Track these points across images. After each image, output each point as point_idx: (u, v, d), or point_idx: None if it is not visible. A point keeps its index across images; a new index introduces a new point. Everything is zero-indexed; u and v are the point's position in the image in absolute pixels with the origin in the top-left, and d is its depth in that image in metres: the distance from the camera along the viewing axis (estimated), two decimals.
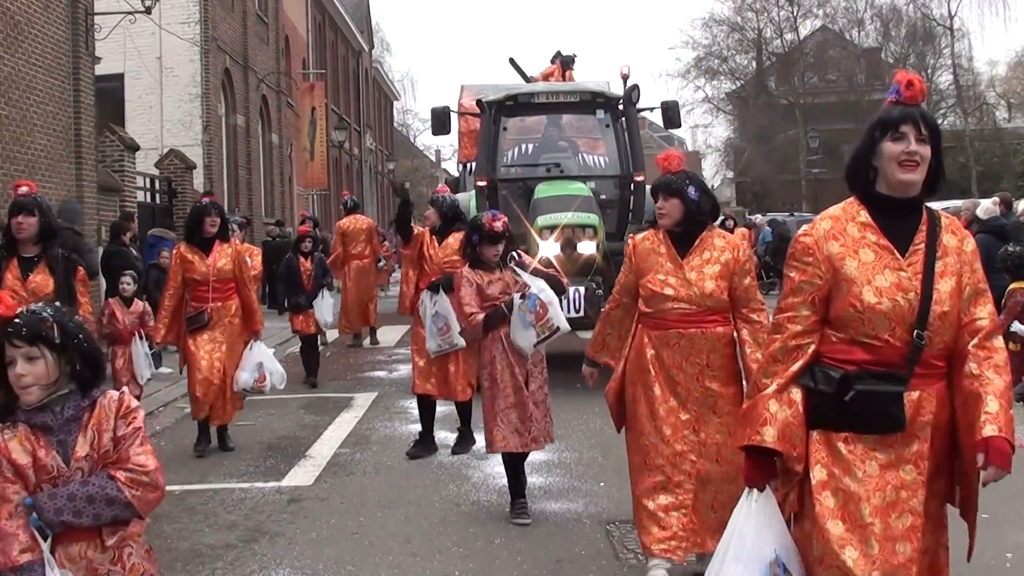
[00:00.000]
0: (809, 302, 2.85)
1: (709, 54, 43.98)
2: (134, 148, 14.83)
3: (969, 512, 2.90)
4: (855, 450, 2.79)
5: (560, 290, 5.68)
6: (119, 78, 18.69)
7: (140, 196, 15.74)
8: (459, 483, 6.46)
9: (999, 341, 2.86)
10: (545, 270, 5.87)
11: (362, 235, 13.46)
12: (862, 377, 2.77)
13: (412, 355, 7.45)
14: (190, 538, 5.44)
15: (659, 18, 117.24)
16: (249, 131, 22.54)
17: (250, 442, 7.82)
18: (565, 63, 13.52)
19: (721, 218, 18.39)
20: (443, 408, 7.77)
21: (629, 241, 4.59)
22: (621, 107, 10.59)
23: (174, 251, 7.65)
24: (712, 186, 47.82)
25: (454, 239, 7.11)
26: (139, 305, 8.59)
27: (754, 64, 44.63)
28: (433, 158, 59.69)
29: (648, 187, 8.96)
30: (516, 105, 10.63)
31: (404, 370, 10.81)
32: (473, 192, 10.42)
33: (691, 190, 4.32)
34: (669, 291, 4.30)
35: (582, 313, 9.06)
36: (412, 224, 7.52)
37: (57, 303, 2.84)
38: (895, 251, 2.81)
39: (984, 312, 2.84)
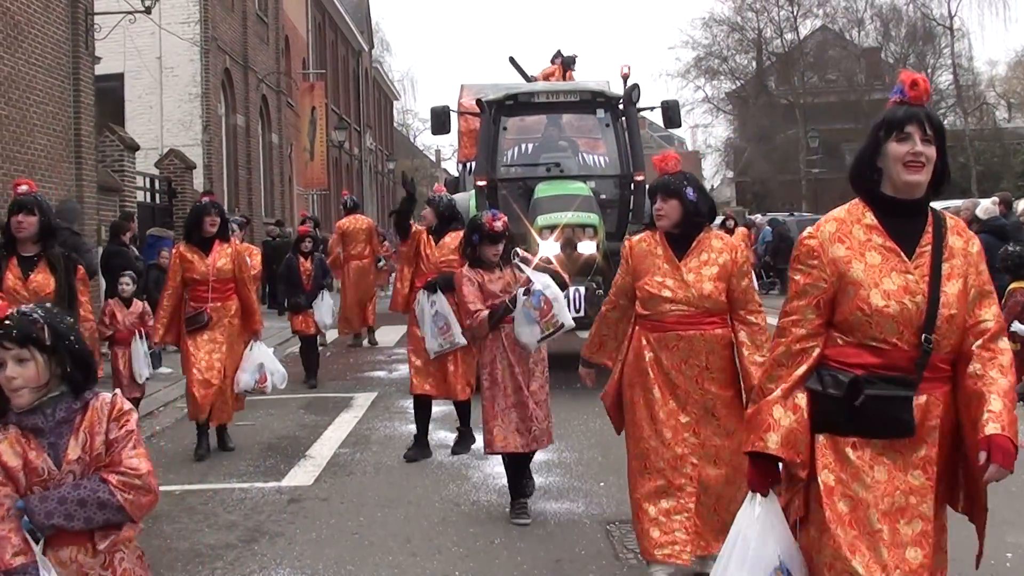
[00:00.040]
0: (814, 305, 2.82)
1: (709, 54, 43.99)
2: (134, 148, 14.84)
3: (979, 516, 2.88)
4: (863, 455, 2.76)
5: (562, 287, 5.64)
6: (119, 78, 18.71)
7: (140, 196, 15.75)
8: (459, 483, 6.46)
9: (1004, 343, 2.83)
10: (547, 266, 5.85)
11: (362, 235, 13.46)
12: (872, 381, 2.74)
13: (408, 355, 7.42)
14: (190, 538, 5.43)
15: (659, 18, 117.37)
16: (249, 131, 22.54)
17: (250, 442, 7.81)
18: (566, 64, 13.52)
19: (722, 218, 18.40)
20: (442, 408, 7.76)
21: (625, 243, 4.55)
22: (621, 106, 10.58)
23: (173, 251, 7.64)
24: (712, 186, 47.97)
25: (451, 239, 7.10)
26: (138, 305, 8.58)
27: (754, 64, 44.62)
28: (433, 158, 59.69)
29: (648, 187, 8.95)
30: (516, 104, 10.62)
31: (404, 370, 10.79)
32: (473, 192, 10.42)
33: (689, 191, 4.28)
34: (667, 293, 4.25)
35: (582, 313, 9.05)
36: (411, 222, 7.52)
37: (48, 304, 2.81)
38: (901, 253, 2.78)
39: (989, 314, 2.82)
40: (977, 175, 36.39)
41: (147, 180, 16.56)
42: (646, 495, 4.25)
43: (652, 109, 11.67)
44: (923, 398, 2.76)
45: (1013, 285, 8.44)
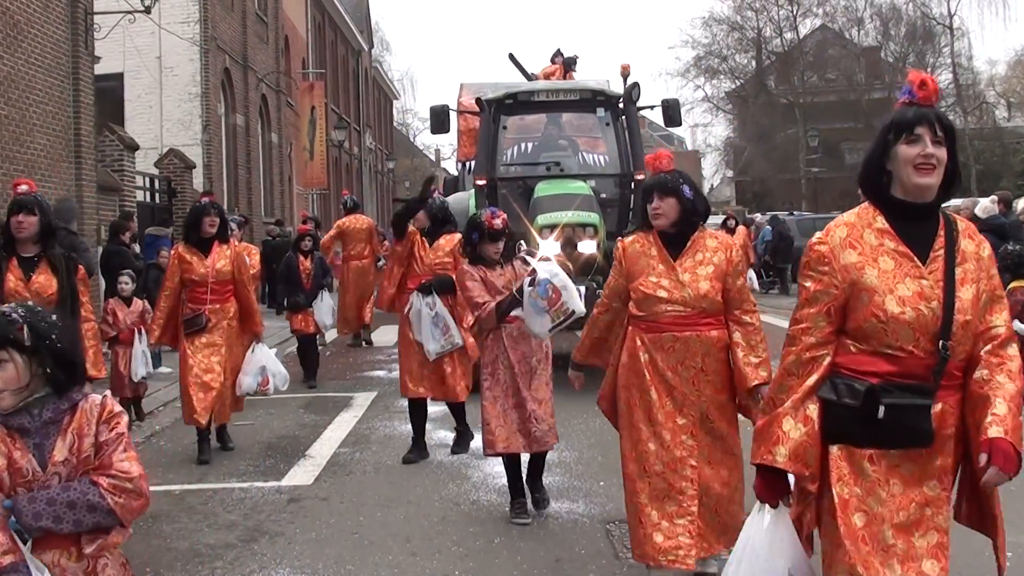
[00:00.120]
0: (825, 313, 2.76)
1: (709, 53, 44.04)
2: (133, 148, 14.83)
3: (990, 527, 2.81)
4: (879, 469, 2.71)
5: None
6: (119, 78, 18.71)
7: (139, 196, 15.74)
8: (459, 483, 6.46)
9: (1014, 349, 2.77)
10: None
11: (362, 235, 13.44)
12: (888, 390, 2.67)
13: (400, 357, 7.32)
14: (190, 538, 5.43)
15: (659, 17, 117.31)
16: (249, 131, 22.54)
17: (250, 442, 7.81)
18: (567, 65, 13.50)
19: (723, 217, 18.37)
20: (441, 408, 7.76)
21: (618, 244, 4.48)
22: (621, 105, 10.56)
23: (172, 252, 7.60)
24: (712, 185, 48.03)
25: (445, 240, 7.08)
26: (139, 304, 8.58)
27: (754, 63, 44.66)
28: (433, 157, 59.66)
29: None
30: (516, 103, 10.60)
31: None
32: (473, 191, 10.41)
33: (686, 189, 4.22)
34: (662, 293, 4.18)
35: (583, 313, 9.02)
36: (411, 223, 7.48)
37: (31, 303, 2.76)
38: (915, 258, 2.72)
39: (1000, 320, 2.77)
40: (977, 174, 36.39)
41: (147, 180, 16.56)
42: (647, 499, 4.17)
43: (652, 108, 11.66)
44: (939, 406, 2.71)
45: (1013, 284, 8.42)
